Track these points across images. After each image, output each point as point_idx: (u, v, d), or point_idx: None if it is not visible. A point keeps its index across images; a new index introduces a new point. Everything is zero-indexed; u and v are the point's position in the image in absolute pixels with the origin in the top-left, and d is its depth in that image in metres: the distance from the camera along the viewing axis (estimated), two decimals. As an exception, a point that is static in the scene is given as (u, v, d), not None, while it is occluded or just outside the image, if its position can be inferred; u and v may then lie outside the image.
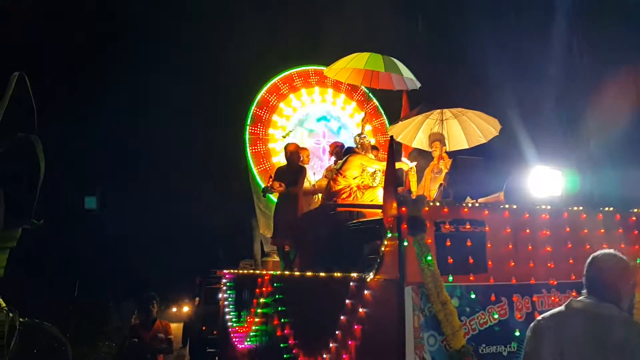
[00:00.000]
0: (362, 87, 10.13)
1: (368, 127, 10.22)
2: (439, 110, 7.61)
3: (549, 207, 4.75)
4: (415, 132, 7.96)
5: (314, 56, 10.99)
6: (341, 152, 8.05)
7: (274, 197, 8.50)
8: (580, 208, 4.88)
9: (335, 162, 8.18)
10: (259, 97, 10.34)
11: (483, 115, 7.57)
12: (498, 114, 7.83)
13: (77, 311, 13.82)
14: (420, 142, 8.03)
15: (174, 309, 23.84)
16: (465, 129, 7.79)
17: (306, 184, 8.25)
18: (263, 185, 8.52)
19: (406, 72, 8.39)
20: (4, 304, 2.76)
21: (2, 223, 2.72)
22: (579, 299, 3.30)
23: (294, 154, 7.98)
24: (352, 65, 8.43)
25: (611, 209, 4.98)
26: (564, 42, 11.60)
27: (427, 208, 4.29)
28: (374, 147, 8.85)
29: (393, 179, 4.56)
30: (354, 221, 6.59)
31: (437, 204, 4.45)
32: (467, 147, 7.88)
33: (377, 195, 7.07)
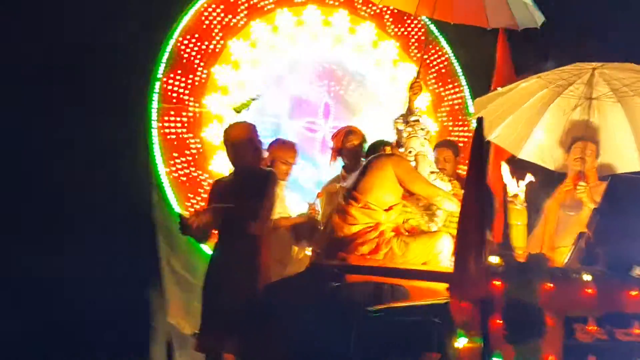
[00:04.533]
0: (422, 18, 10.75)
1: (424, 100, 10.43)
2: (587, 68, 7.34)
3: None
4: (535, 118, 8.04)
5: None
6: (360, 150, 8.10)
7: (206, 247, 8.52)
8: None
9: (346, 173, 8.06)
10: (183, 22, 9.88)
11: None
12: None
13: None
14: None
15: None
16: None
17: (277, 215, 8.14)
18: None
19: None
20: None
21: None
22: None
23: (248, 146, 7.54)
24: None
25: None
26: None
27: (550, 285, 4.55)
28: (449, 145, 9.03)
29: (479, 216, 4.58)
30: (382, 306, 6.15)
31: (573, 275, 4.77)
32: None
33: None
